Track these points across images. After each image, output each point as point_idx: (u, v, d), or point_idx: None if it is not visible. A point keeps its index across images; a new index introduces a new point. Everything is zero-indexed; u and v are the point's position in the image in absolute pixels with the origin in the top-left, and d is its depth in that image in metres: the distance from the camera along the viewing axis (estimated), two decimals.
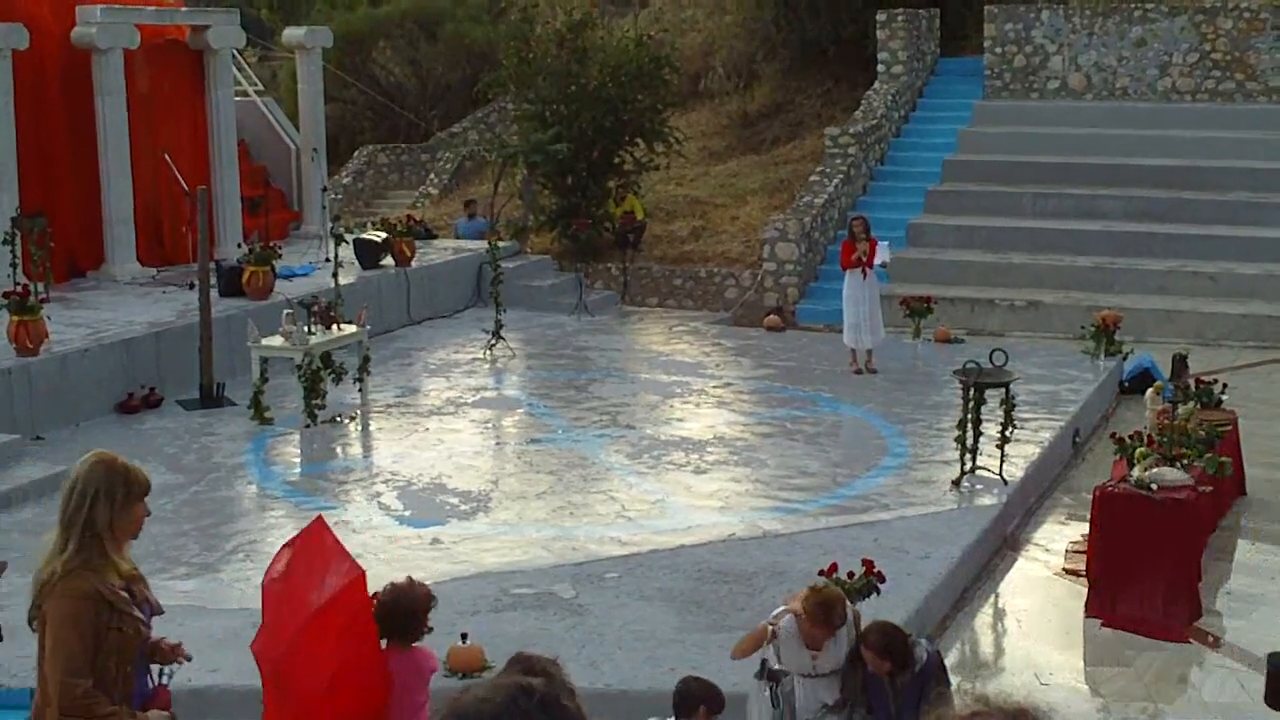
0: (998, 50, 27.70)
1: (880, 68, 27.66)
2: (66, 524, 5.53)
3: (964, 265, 22.87)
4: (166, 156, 20.71)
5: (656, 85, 26.20)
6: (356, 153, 33.00)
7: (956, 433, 13.40)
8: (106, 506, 5.54)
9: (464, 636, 9.41)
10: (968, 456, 13.30)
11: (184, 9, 23.59)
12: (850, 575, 9.40)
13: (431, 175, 31.79)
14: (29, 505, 13.08)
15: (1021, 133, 26.12)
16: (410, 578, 7.06)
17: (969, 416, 13.26)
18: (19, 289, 15.78)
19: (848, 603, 8.17)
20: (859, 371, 18.07)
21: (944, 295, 21.27)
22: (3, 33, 18.81)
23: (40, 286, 16.99)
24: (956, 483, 13.25)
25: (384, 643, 6.75)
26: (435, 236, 24.20)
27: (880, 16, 27.82)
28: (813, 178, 24.89)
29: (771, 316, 21.59)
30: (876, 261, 18.04)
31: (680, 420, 16.01)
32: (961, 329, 20.57)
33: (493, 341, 18.99)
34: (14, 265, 17.67)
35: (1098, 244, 23.08)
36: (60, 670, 5.44)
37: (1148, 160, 24.63)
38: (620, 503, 13.14)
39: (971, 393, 13.29)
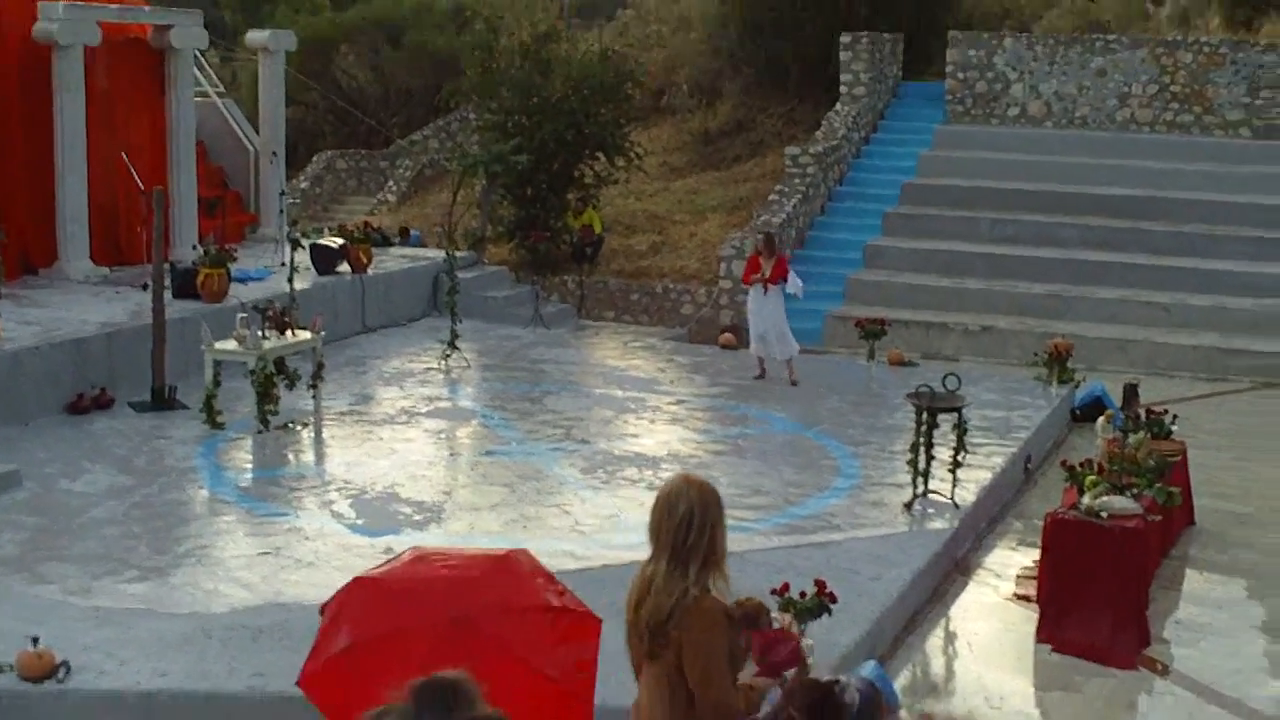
0: (960, 76, 27.89)
1: (842, 89, 27.82)
2: (685, 550, 5.59)
3: (920, 289, 23.00)
4: (124, 155, 20.56)
5: (619, 99, 26.25)
6: (316, 157, 32.91)
7: (909, 456, 13.43)
8: (722, 532, 5.69)
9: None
10: (920, 480, 13.33)
11: (148, 8, 23.42)
12: (802, 595, 9.41)
13: (390, 182, 31.73)
14: None
15: (981, 158, 26.30)
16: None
17: (921, 440, 13.30)
18: None
19: (800, 639, 8.16)
20: (760, 377, 18.64)
21: (898, 318, 21.40)
22: None
23: None
24: (908, 505, 13.28)
25: None
26: (392, 243, 24.10)
27: (844, 38, 27.99)
28: (771, 196, 24.99)
29: (726, 334, 21.63)
30: (788, 289, 18.63)
31: (634, 436, 16.00)
32: (916, 352, 20.69)
33: (448, 352, 18.93)
34: None
35: (1053, 271, 23.26)
36: (717, 687, 5.58)
37: (1105, 189, 24.86)
38: (574, 517, 13.11)
39: (924, 416, 13.32)
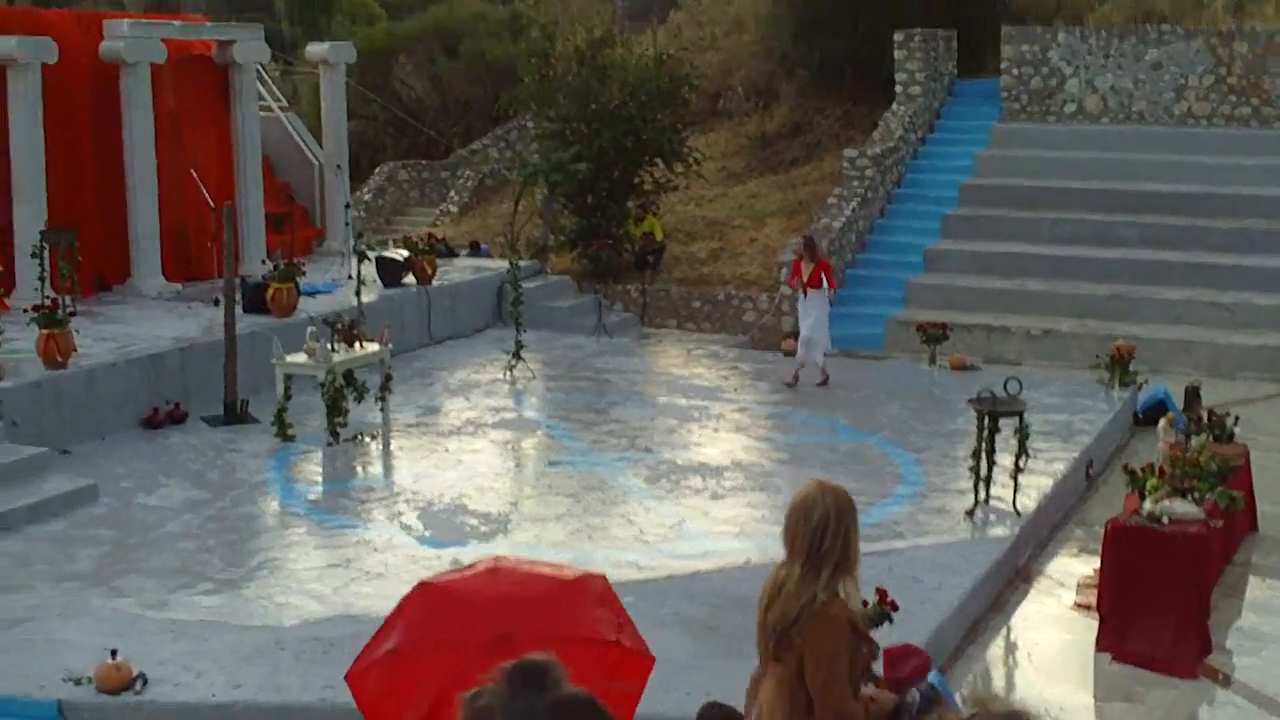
0: (1014, 72, 27.84)
1: (898, 88, 27.83)
2: (819, 555, 5.75)
3: (980, 291, 23.01)
4: (193, 172, 20.91)
5: (676, 104, 26.36)
6: (378, 169, 33.22)
7: (971, 462, 13.51)
8: (856, 538, 5.84)
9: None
10: (981, 486, 13.41)
11: (210, 24, 23.79)
12: (864, 603, 9.54)
13: (452, 193, 31.98)
14: (56, 518, 13.27)
15: (1038, 156, 26.23)
16: None
17: (983, 446, 13.36)
18: (48, 302, 15.99)
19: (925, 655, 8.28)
20: (792, 384, 18.87)
21: (960, 322, 21.41)
22: (32, 46, 19.03)
23: (68, 300, 17.19)
24: (970, 513, 13.36)
25: None
26: (456, 255, 24.35)
27: (898, 37, 27.97)
28: (830, 200, 25.06)
29: (789, 340, 21.70)
30: (817, 292, 18.88)
31: (698, 445, 16.17)
32: (977, 356, 20.72)
33: (513, 363, 19.15)
34: (42, 279, 17.89)
35: (1115, 271, 23.20)
36: (837, 695, 5.75)
37: (1164, 186, 24.74)
38: (638, 526, 13.30)
39: (986, 422, 13.39)
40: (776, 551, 12.57)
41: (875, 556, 12.25)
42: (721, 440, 16.41)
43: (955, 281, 23.38)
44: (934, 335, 19.49)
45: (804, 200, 26.81)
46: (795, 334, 22.02)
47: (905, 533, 13.09)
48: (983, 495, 13.42)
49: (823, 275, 18.80)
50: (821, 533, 5.72)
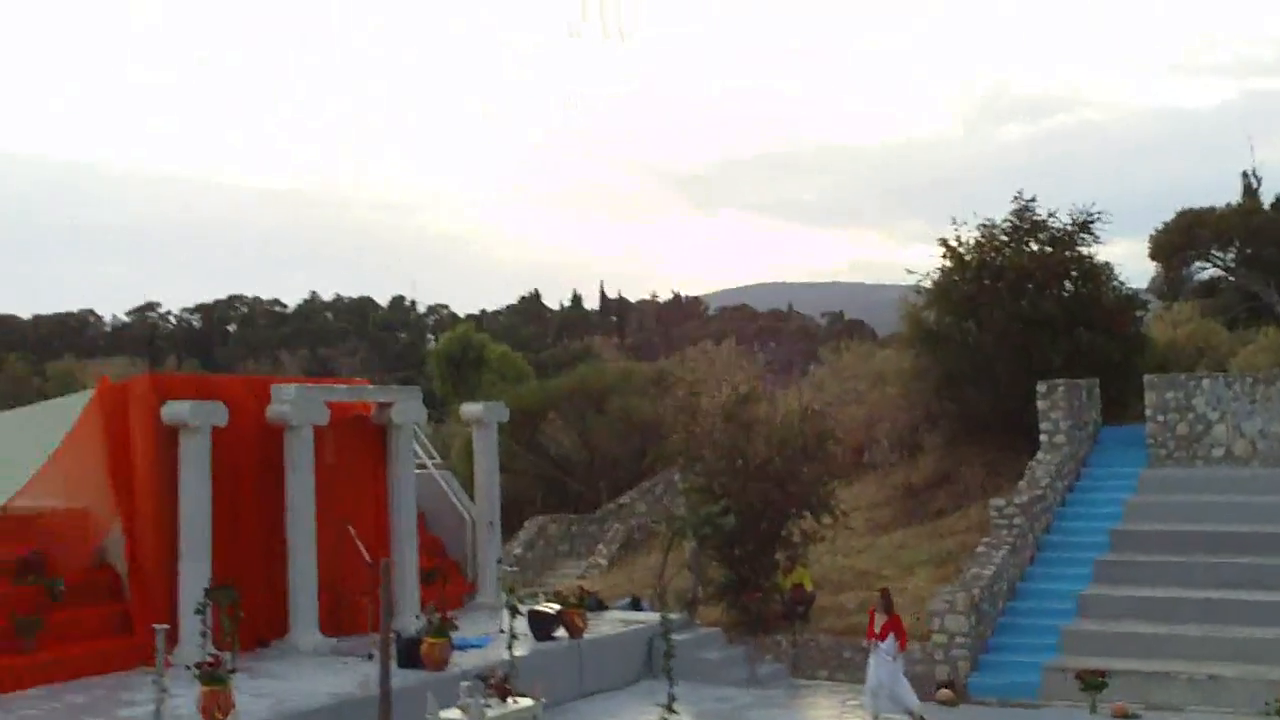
0: (1159, 418, 27.88)
1: (1043, 437, 27.94)
2: None
3: (1137, 637, 22.50)
4: (350, 528, 21.40)
5: (821, 457, 26.61)
6: (527, 523, 33.70)
7: None
8: None
9: None
10: None
11: (371, 387, 24.66)
12: None
13: (601, 545, 32.29)
14: None
15: (1188, 501, 26.02)
16: None
17: None
18: (210, 659, 16.28)
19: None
20: None
21: (1118, 668, 20.93)
22: (205, 411, 19.88)
23: (229, 657, 17.50)
24: None
25: None
26: (606, 608, 24.44)
27: (1041, 387, 28.25)
28: (979, 549, 24.92)
29: (944, 690, 21.40)
30: (885, 649, 19.33)
31: None
32: (1139, 704, 20.17)
33: (665, 715, 18.95)
34: (204, 635, 18.25)
35: (1274, 615, 22.65)
36: None
37: None
38: None
39: None
40: None
41: None
42: None
43: (1111, 627, 22.92)
44: (1093, 682, 19.10)
45: (952, 550, 26.70)
46: (949, 683, 21.73)
47: None
48: None
49: (893, 632, 19.30)
50: None
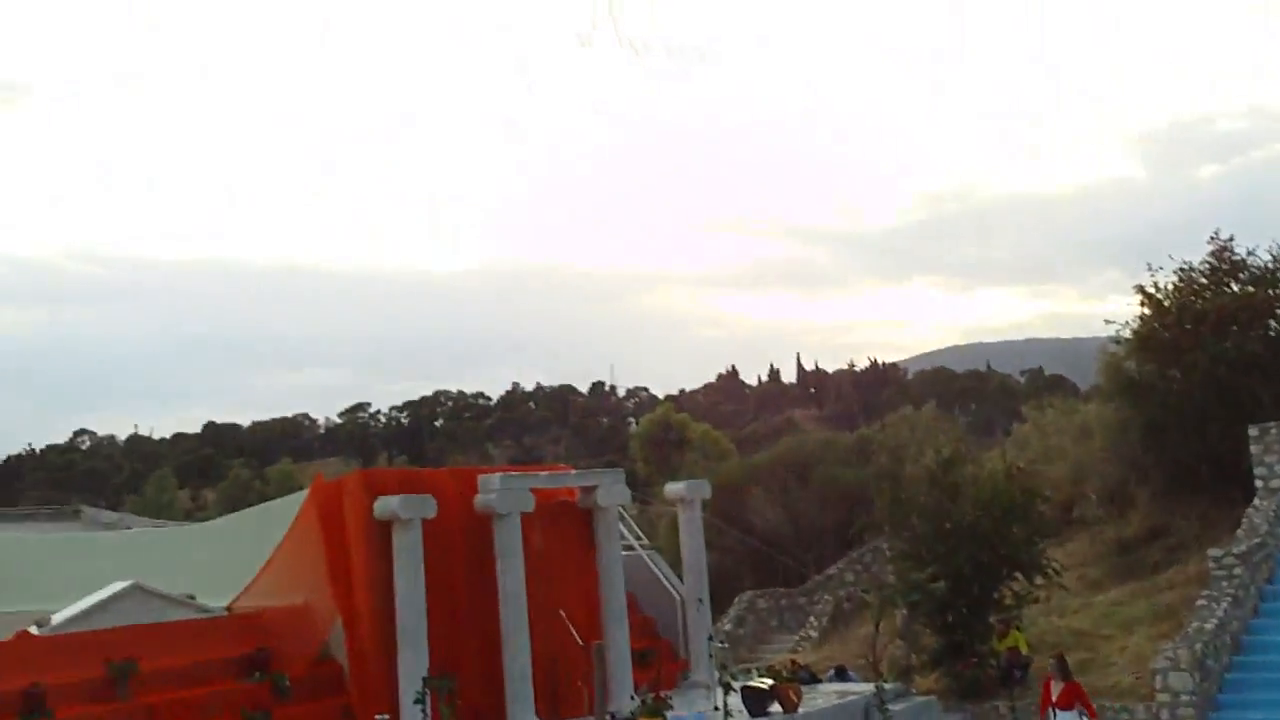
0: None
1: (1258, 483, 27.24)
2: None
3: None
4: (561, 612, 21.63)
5: (1030, 517, 26.25)
6: (737, 599, 33.73)
7: None
8: None
9: None
10: None
11: (574, 472, 24.96)
12: None
13: (811, 618, 32.17)
14: None
15: None
16: None
17: None
18: None
19: None
20: None
21: None
22: (415, 504, 20.32)
23: None
24: None
25: None
26: (819, 680, 24.34)
27: (1253, 431, 27.55)
28: (1200, 602, 24.32)
29: None
30: (1066, 716, 18.59)
31: None
32: None
33: None
34: None
35: None
36: None
37: None
38: None
39: None
40: None
41: None
42: None
43: None
44: None
45: (1171, 604, 26.11)
46: None
47: None
48: None
49: (1076, 699, 18.52)
50: None
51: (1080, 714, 18.34)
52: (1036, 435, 37.60)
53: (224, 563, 22.21)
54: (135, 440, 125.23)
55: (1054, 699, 18.40)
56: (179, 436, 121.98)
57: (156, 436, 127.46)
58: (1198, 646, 22.68)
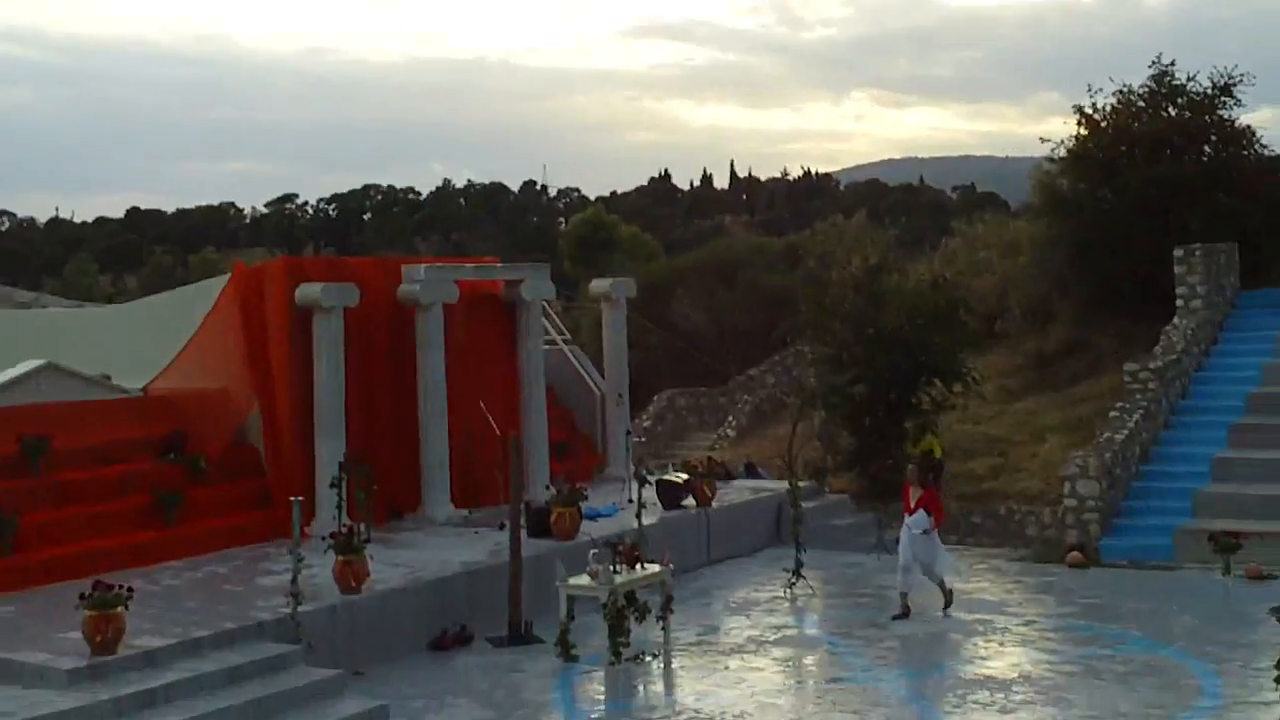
0: None
1: (1179, 303, 27.48)
2: None
3: (1272, 499, 22.19)
4: (481, 403, 21.66)
5: (953, 326, 26.41)
6: (657, 397, 33.91)
7: (1276, 673, 12.99)
8: None
9: None
10: None
11: (500, 265, 24.84)
12: None
13: (730, 417, 32.42)
14: None
15: None
16: None
17: None
18: (344, 530, 16.66)
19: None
20: (898, 616, 17.71)
21: (1252, 530, 20.67)
22: (337, 292, 20.18)
23: (363, 528, 17.89)
24: None
25: None
26: (732, 477, 24.60)
27: (1178, 253, 27.72)
28: (1112, 414, 24.66)
29: (1074, 553, 21.32)
30: (916, 524, 17.94)
31: (984, 659, 15.87)
32: (1274, 565, 19.94)
33: (793, 580, 19.17)
34: (340, 508, 18.68)
35: None
36: None
37: None
38: None
39: None
40: None
41: None
42: (1008, 654, 16.08)
43: (1245, 490, 22.62)
44: (1227, 544, 18.91)
45: (1084, 416, 26.48)
46: (1080, 547, 21.61)
47: None
48: None
49: (929, 505, 18.07)
50: None
51: (929, 518, 18.08)
52: (965, 249, 37.74)
53: (141, 345, 22.01)
54: (56, 223, 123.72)
55: (911, 504, 18.00)
56: (101, 220, 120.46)
57: (78, 220, 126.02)
58: (1107, 456, 23.06)
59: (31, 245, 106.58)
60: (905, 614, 17.76)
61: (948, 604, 18.08)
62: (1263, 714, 13.26)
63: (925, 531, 17.94)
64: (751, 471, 25.85)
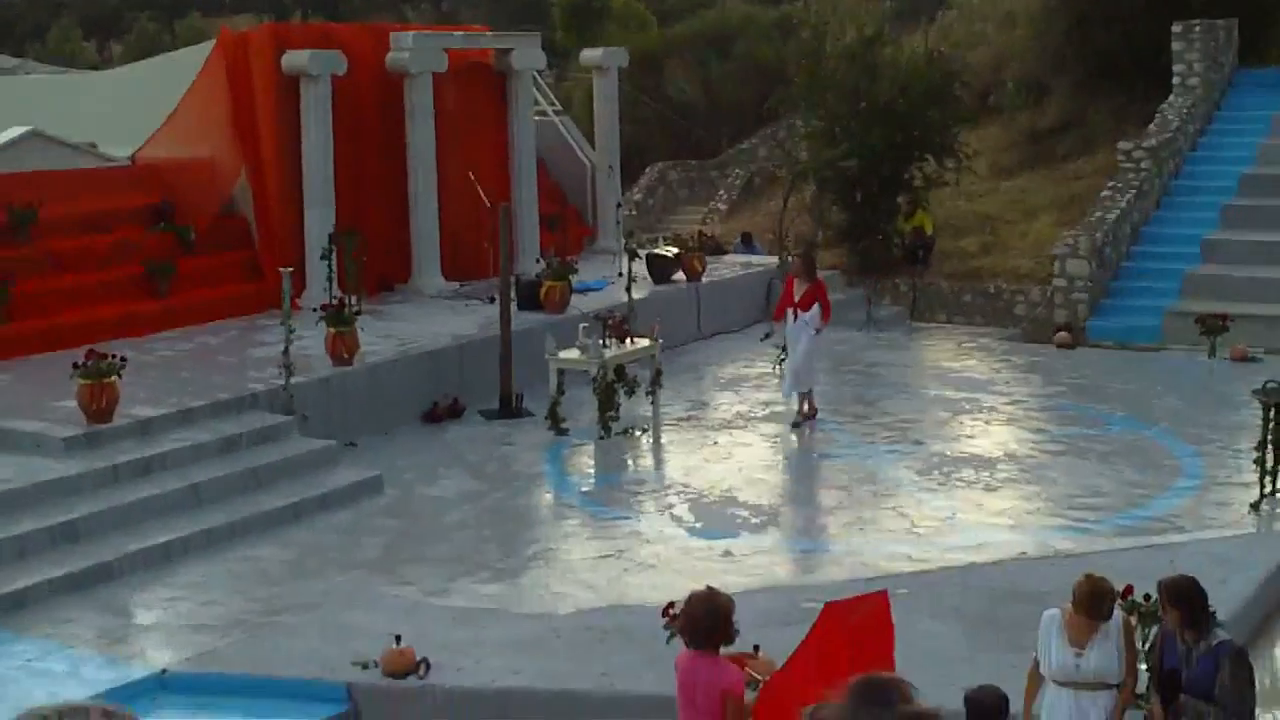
0: None
1: (1175, 80, 27.08)
2: None
3: (1261, 282, 22.19)
4: (471, 174, 21.49)
5: (947, 101, 26.10)
6: (648, 169, 33.66)
7: (1255, 454, 13.16)
8: None
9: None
10: (1267, 479, 13.05)
11: (490, 33, 24.44)
12: (1146, 599, 9.32)
13: (721, 191, 32.25)
14: (344, 508, 13.84)
15: None
16: (710, 587, 7.31)
17: (1269, 438, 13.02)
18: (335, 302, 16.67)
19: (1119, 609, 8.10)
20: (798, 424, 16.74)
21: (1240, 312, 20.70)
22: (324, 60, 19.86)
23: (354, 300, 17.91)
24: (1255, 506, 13.02)
25: (691, 649, 7.01)
26: (725, 251, 24.57)
27: (1176, 28, 27.25)
28: (1105, 193, 24.52)
29: (1062, 333, 21.40)
30: (809, 321, 16.49)
31: (970, 437, 16.06)
32: (1259, 347, 20.06)
33: (782, 356, 19.23)
34: (330, 280, 18.67)
35: None
36: None
37: None
38: (910, 519, 13.29)
39: (1272, 413, 13.04)
40: (1051, 544, 12.47)
41: (1156, 550, 12.05)
42: (993, 432, 16.27)
43: (1235, 272, 22.62)
44: (1213, 326, 18.99)
45: (1077, 194, 26.30)
46: (1068, 326, 21.68)
47: (1186, 526, 12.85)
48: (1269, 488, 13.05)
49: (818, 300, 16.62)
50: None
51: (817, 314, 16.46)
52: (961, 21, 37.07)
53: (126, 113, 21.70)
54: None
55: (796, 300, 16.53)
56: None
57: None
58: (1098, 235, 22.99)
59: (14, 9, 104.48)
60: (813, 415, 16.94)
61: (811, 416, 16.87)
62: (1241, 494, 13.46)
63: (818, 330, 16.64)
64: (747, 242, 25.81)
